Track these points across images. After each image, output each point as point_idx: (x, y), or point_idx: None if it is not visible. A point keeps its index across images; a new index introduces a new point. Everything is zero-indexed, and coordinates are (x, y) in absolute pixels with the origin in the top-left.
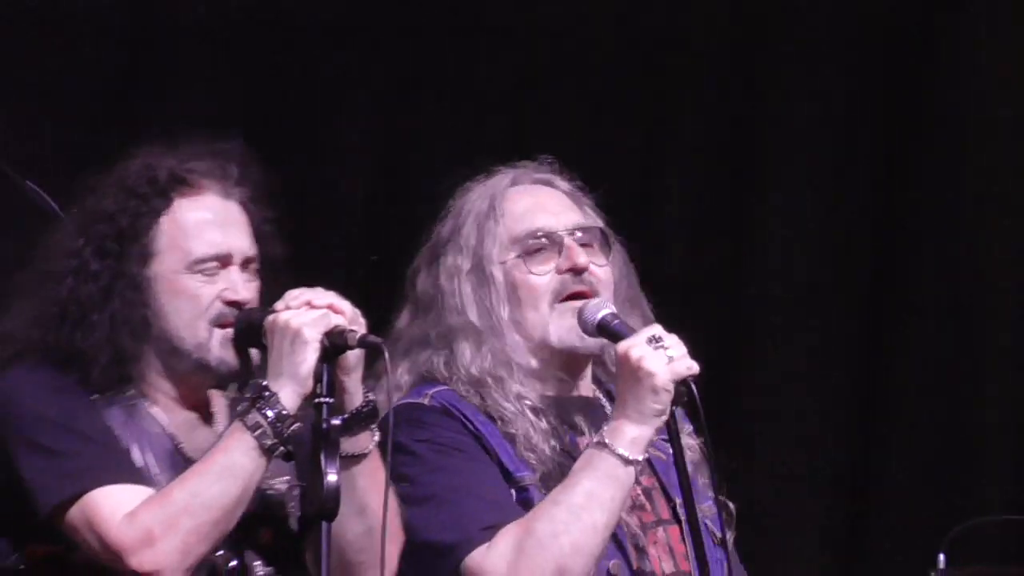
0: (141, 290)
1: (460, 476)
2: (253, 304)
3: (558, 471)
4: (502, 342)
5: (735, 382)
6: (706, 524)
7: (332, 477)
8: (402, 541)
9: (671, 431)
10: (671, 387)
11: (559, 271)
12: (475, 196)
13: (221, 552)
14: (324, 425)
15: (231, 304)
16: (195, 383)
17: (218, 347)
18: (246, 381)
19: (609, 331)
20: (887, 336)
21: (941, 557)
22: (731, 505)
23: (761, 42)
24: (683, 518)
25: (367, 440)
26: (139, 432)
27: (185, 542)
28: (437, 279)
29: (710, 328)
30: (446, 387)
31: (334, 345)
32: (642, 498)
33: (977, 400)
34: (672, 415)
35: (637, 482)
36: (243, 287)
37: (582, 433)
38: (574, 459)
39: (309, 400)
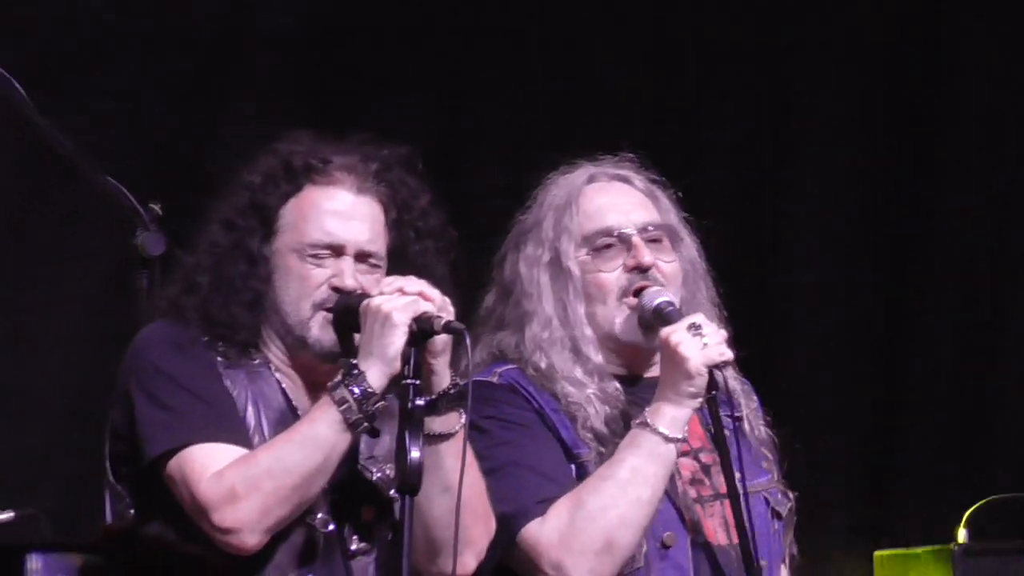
0: (261, 265)
1: (522, 451)
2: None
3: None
4: (572, 332)
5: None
6: (764, 497)
7: (415, 454)
8: (492, 522)
9: (712, 413)
10: (704, 372)
11: (626, 268)
12: (555, 190)
13: (320, 515)
14: (410, 405)
15: (336, 290)
16: (302, 357)
17: (317, 328)
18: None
19: (662, 317)
20: (908, 323)
21: (962, 532)
22: (790, 494)
23: (788, 48)
24: (741, 492)
25: (455, 420)
26: (258, 394)
27: (265, 503)
28: (516, 266)
29: (742, 315)
30: (515, 366)
31: (422, 330)
32: (700, 473)
33: (994, 388)
34: (713, 398)
35: (697, 458)
36: (351, 276)
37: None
38: None
39: (397, 381)
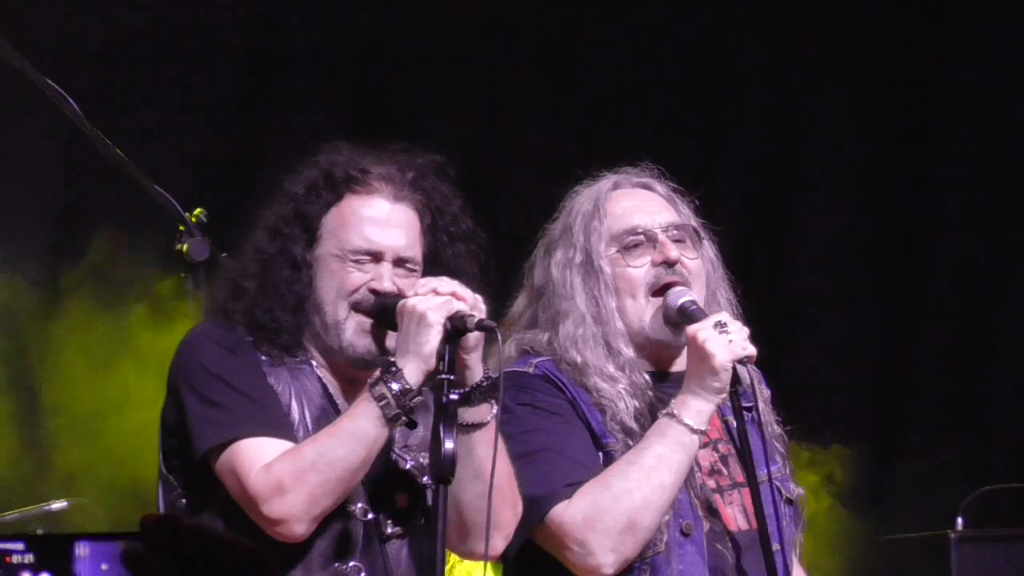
0: (304, 270)
1: (553, 436)
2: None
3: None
4: (604, 328)
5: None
6: (776, 485)
7: (449, 445)
8: (520, 506)
9: (735, 406)
10: (729, 367)
11: (654, 264)
12: (582, 198)
13: (360, 504)
14: (444, 399)
15: (375, 292)
16: (337, 359)
17: (351, 330)
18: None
19: (687, 315)
20: (908, 321)
21: (959, 520)
22: (800, 492)
23: (797, 69)
24: (765, 480)
25: (486, 411)
26: (300, 390)
27: (311, 495)
28: (548, 270)
29: (752, 316)
30: (548, 358)
31: (455, 328)
32: (719, 464)
33: (991, 381)
34: (736, 392)
35: (716, 449)
36: (389, 279)
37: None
38: None
39: (433, 376)
